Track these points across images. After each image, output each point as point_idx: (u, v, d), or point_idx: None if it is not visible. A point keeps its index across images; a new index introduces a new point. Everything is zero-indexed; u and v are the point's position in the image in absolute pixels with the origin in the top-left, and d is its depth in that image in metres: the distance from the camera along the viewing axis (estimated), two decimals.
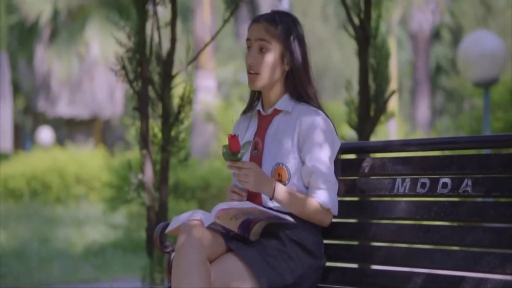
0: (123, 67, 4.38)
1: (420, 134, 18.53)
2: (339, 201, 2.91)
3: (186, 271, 2.64)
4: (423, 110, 24.35)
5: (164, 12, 4.65)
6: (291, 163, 2.86)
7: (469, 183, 2.73)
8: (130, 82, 4.39)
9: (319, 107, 2.92)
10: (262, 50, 2.91)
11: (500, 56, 8.97)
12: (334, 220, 2.95)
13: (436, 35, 27.33)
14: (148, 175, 4.37)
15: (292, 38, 2.92)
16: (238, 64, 18.93)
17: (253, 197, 2.90)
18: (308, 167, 2.85)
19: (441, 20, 25.84)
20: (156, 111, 4.44)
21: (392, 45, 19.15)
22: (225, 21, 4.54)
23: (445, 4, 25.04)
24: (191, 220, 2.74)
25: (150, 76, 4.40)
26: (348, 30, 4.70)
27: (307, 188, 2.88)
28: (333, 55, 26.78)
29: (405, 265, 2.84)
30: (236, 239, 2.78)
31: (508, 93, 10.40)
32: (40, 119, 26.35)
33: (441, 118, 29.08)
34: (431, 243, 2.80)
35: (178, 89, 4.53)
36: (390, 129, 17.52)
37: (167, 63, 4.41)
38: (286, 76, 2.94)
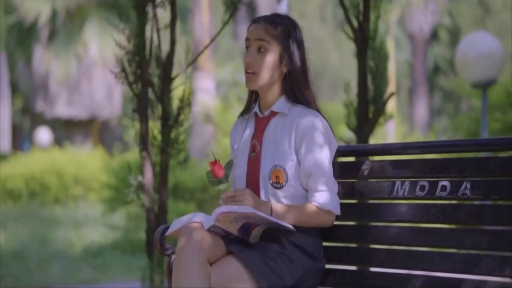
0: (123, 69, 4.39)
1: (418, 134, 18.55)
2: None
3: (186, 273, 2.65)
4: (421, 111, 24.37)
5: (163, 14, 4.66)
6: (289, 165, 2.87)
7: (468, 186, 2.75)
8: (129, 84, 4.40)
9: (316, 109, 2.93)
10: (261, 50, 2.92)
11: (498, 57, 8.97)
12: (334, 222, 2.96)
13: (434, 35, 27.35)
14: (148, 177, 4.38)
15: (291, 40, 2.93)
16: (236, 65, 18.92)
17: None
18: (306, 169, 2.86)
19: (439, 20, 25.86)
20: (156, 113, 4.45)
21: (390, 45, 19.16)
22: (225, 23, 4.55)
23: (443, 4, 25.07)
24: (191, 222, 2.75)
25: (150, 78, 4.41)
26: (346, 32, 4.72)
27: (305, 190, 2.90)
28: (331, 55, 26.80)
29: (404, 267, 2.86)
30: (236, 241, 2.79)
31: (506, 94, 10.41)
32: (38, 120, 26.34)
33: (439, 119, 29.12)
34: (430, 245, 2.82)
35: (177, 91, 4.54)
36: (388, 130, 17.53)
37: (166, 65, 4.42)
38: (284, 78, 2.96)
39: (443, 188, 2.80)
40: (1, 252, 9.31)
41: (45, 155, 16.89)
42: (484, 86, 8.93)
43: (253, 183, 2.92)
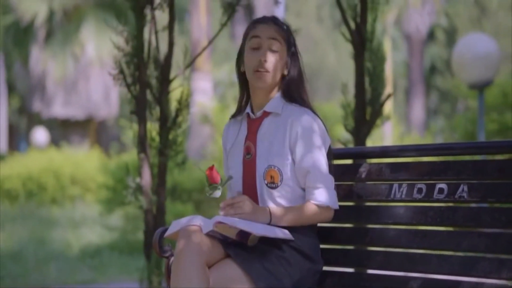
0: (121, 71, 4.39)
1: (414, 135, 18.54)
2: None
3: (185, 276, 2.66)
4: (418, 111, 24.39)
5: (161, 16, 4.66)
6: (283, 164, 2.88)
7: (465, 188, 2.76)
8: (128, 86, 4.40)
9: (310, 107, 2.94)
10: (273, 49, 2.94)
11: (495, 58, 8.99)
12: (332, 224, 2.98)
13: (430, 36, 27.38)
14: (146, 178, 4.38)
15: (292, 43, 2.98)
16: (233, 66, 18.88)
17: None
18: (302, 167, 2.87)
19: (435, 21, 25.88)
20: (154, 115, 4.46)
21: (387, 46, 19.17)
22: (223, 25, 4.56)
23: (440, 5, 25.09)
24: (190, 225, 2.76)
25: (148, 80, 4.42)
26: (344, 33, 4.73)
27: (302, 189, 2.91)
28: (327, 56, 26.83)
29: (401, 269, 2.87)
30: (234, 245, 2.79)
31: (502, 95, 10.42)
32: (35, 120, 26.31)
33: (436, 119, 29.15)
34: (427, 248, 2.83)
35: (175, 93, 4.55)
36: (385, 130, 17.54)
37: (164, 67, 4.42)
38: (282, 79, 2.98)
39: (441, 190, 2.81)
40: None
41: (42, 155, 16.87)
42: (480, 87, 8.94)
43: (249, 185, 2.93)
